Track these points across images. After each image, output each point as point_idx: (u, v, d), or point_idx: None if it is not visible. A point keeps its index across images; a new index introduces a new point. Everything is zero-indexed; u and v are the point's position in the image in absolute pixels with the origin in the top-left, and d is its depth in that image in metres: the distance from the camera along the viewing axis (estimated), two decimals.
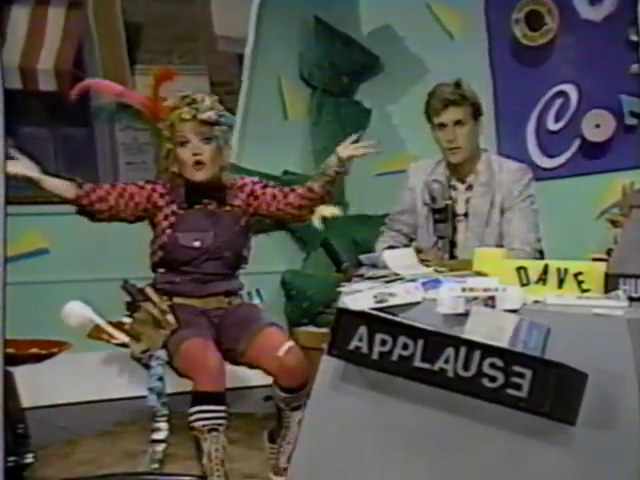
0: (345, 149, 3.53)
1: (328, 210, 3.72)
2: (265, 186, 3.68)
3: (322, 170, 3.56)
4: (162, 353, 3.51)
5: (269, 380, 3.59)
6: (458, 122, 3.73)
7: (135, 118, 3.74)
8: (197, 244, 3.59)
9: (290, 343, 3.53)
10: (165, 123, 3.58)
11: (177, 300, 3.60)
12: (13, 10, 5.89)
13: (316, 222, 3.70)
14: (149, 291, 3.58)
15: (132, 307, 3.59)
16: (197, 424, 3.40)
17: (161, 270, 3.66)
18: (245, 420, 4.57)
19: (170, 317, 3.51)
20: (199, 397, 3.40)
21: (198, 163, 3.56)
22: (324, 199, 3.63)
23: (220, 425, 3.41)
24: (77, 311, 3.56)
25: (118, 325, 3.58)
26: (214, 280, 3.64)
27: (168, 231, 3.60)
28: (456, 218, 3.77)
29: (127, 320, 3.58)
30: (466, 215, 3.79)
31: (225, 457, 3.43)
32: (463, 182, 3.81)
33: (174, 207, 3.61)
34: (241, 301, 3.71)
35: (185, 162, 3.57)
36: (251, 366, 3.64)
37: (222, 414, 3.41)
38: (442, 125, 3.75)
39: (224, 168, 3.65)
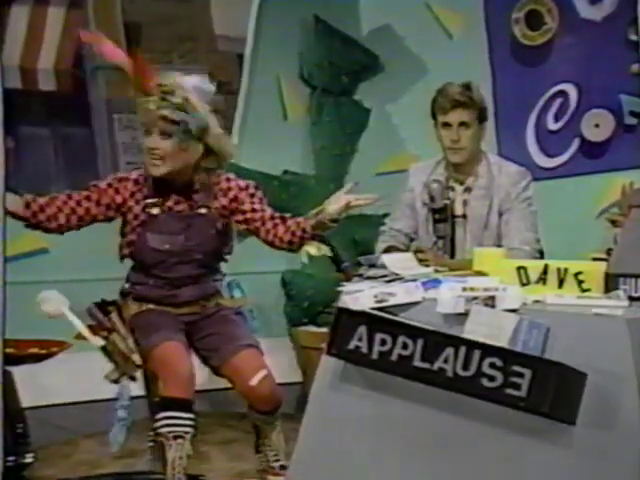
0: (356, 199, 3.39)
1: (315, 248, 3.60)
2: (252, 195, 3.52)
3: (318, 211, 3.40)
4: (124, 400, 3.51)
5: None
6: (463, 124, 3.73)
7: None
8: (166, 247, 3.48)
9: (264, 372, 3.44)
10: (139, 105, 3.44)
11: (148, 305, 3.53)
12: (13, 9, 5.89)
13: (304, 258, 3.62)
14: (116, 322, 3.48)
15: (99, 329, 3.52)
16: (163, 430, 3.35)
17: (132, 265, 3.57)
18: (242, 420, 4.56)
19: (136, 357, 3.44)
20: (167, 403, 3.36)
21: (153, 157, 3.40)
22: (314, 239, 3.54)
23: (186, 433, 3.35)
24: (51, 303, 3.52)
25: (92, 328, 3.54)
26: (187, 284, 3.53)
27: (138, 229, 3.49)
28: (454, 219, 3.77)
29: (99, 340, 3.50)
30: (464, 217, 3.79)
31: (188, 465, 3.38)
32: (462, 183, 3.81)
33: (145, 204, 3.48)
34: (218, 302, 3.60)
35: (145, 153, 3.44)
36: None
37: (189, 422, 3.35)
38: (447, 124, 3.74)
39: (194, 168, 3.47)
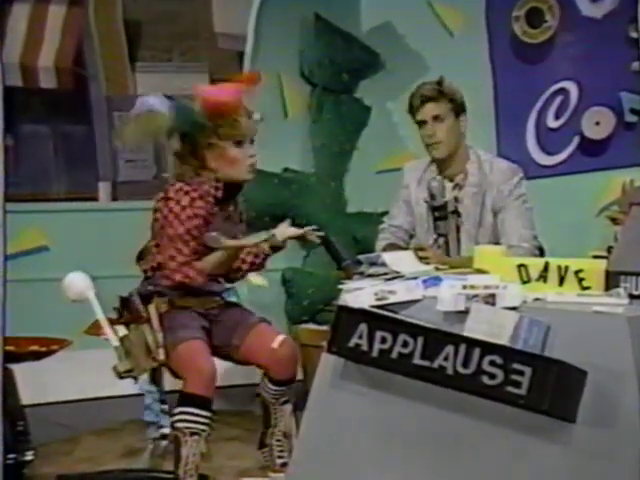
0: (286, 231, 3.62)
1: (258, 279, 3.77)
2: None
3: (268, 237, 3.60)
4: (153, 388, 3.53)
5: None
6: (437, 117, 3.75)
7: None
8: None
9: (283, 336, 3.60)
10: (227, 120, 3.53)
11: (177, 301, 3.58)
12: (14, 7, 5.89)
13: (244, 288, 3.79)
14: (152, 312, 3.54)
15: (130, 318, 3.55)
16: (180, 425, 3.40)
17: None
18: (243, 418, 4.58)
19: (161, 351, 3.48)
20: (187, 399, 3.41)
21: (253, 163, 3.59)
22: (262, 266, 3.71)
23: (203, 431, 3.41)
24: (77, 286, 3.55)
25: (111, 320, 3.56)
26: (214, 280, 3.64)
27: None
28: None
29: (121, 328, 3.52)
30: (453, 213, 3.79)
31: (199, 463, 3.44)
32: (451, 180, 3.81)
33: (212, 209, 3.59)
34: (227, 301, 3.74)
35: (238, 162, 3.56)
36: (242, 362, 3.66)
37: (206, 420, 3.42)
38: (423, 122, 3.78)
39: None
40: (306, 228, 3.66)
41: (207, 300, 3.63)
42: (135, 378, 3.57)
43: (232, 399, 4.48)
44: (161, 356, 3.48)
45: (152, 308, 3.55)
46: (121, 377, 3.52)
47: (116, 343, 3.49)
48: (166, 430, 3.61)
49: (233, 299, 3.79)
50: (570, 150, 5.20)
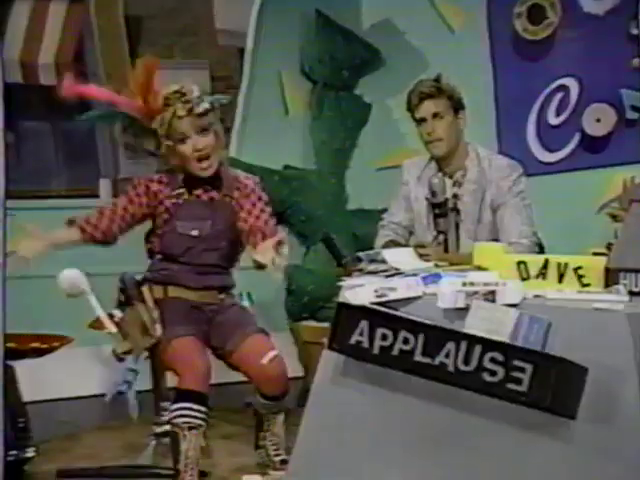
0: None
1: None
2: (259, 198, 3.66)
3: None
4: (136, 368, 3.56)
5: None
6: (436, 115, 3.76)
7: (129, 121, 3.75)
8: (195, 233, 3.60)
9: (275, 352, 3.55)
10: (161, 122, 3.57)
11: (172, 291, 3.61)
12: (15, 3, 5.89)
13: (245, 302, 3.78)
14: (145, 292, 3.58)
15: (125, 300, 3.60)
16: (178, 420, 3.42)
17: (159, 257, 3.67)
18: (243, 415, 4.57)
19: (158, 327, 3.51)
20: (183, 395, 3.43)
21: (201, 158, 3.56)
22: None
23: (200, 425, 3.43)
24: (72, 281, 3.58)
25: (110, 316, 3.59)
26: (210, 273, 3.65)
27: (168, 219, 3.62)
28: None
29: (117, 312, 3.58)
30: (452, 210, 3.79)
31: (200, 457, 3.46)
32: (450, 177, 3.82)
33: (173, 197, 3.62)
34: (233, 301, 3.73)
35: (187, 157, 3.57)
36: (234, 368, 3.65)
37: (203, 415, 3.43)
38: (422, 120, 3.78)
39: (224, 154, 3.69)
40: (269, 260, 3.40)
41: (203, 294, 3.64)
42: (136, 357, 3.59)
43: (232, 396, 4.48)
44: (158, 332, 3.51)
45: (145, 289, 3.60)
46: (120, 359, 3.54)
47: (113, 329, 3.51)
48: (123, 389, 3.60)
49: (246, 304, 3.79)
50: (571, 147, 5.19)
